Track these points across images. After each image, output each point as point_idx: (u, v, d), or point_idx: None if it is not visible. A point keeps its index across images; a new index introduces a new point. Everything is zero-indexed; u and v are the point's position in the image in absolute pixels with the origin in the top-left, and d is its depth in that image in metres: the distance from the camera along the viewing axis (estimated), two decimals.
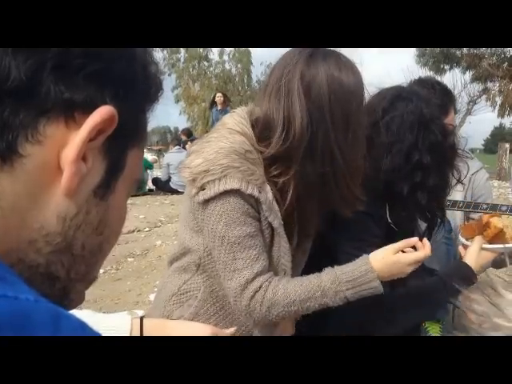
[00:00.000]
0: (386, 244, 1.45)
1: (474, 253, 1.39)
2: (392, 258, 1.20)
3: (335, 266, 1.18)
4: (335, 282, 1.15)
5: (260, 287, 1.14)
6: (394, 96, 1.38)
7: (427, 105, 1.38)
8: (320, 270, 1.20)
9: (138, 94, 0.45)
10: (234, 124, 1.18)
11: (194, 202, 1.18)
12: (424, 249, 1.23)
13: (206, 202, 1.13)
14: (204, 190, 1.12)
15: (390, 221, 1.43)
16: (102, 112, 0.39)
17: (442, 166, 1.37)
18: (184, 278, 1.26)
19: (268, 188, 1.17)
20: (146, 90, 0.46)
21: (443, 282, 1.33)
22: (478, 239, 1.42)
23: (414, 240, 1.22)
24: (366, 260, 1.19)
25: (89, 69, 0.39)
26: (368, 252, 1.26)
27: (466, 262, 1.38)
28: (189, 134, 10.19)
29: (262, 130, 1.19)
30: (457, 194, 1.99)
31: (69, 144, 0.39)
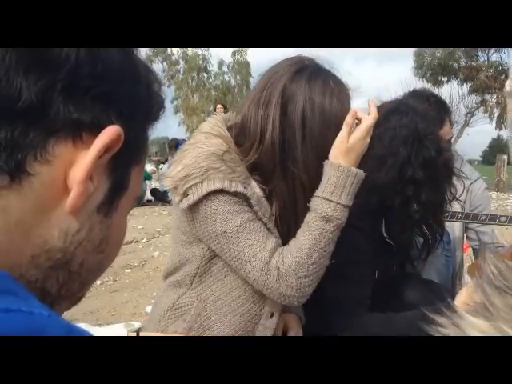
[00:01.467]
0: (385, 260, 1.42)
1: (464, 292, 1.30)
2: (349, 145, 1.16)
3: (312, 197, 1.16)
4: (325, 203, 1.13)
5: (277, 262, 1.12)
6: (390, 109, 1.38)
7: (423, 119, 1.36)
8: None
9: (142, 113, 0.45)
10: (210, 128, 1.18)
11: (182, 213, 1.16)
12: (369, 116, 1.21)
13: (193, 208, 1.12)
14: (188, 195, 1.10)
15: (385, 235, 1.42)
16: (110, 132, 0.40)
17: (435, 181, 1.35)
18: (179, 292, 1.24)
19: (253, 183, 1.16)
20: (148, 109, 0.47)
21: (421, 315, 1.28)
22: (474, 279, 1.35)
23: (353, 114, 1.18)
24: (329, 164, 1.16)
25: (96, 90, 0.39)
26: (361, 269, 1.24)
27: (456, 300, 1.27)
28: (176, 143, 10.17)
29: (237, 134, 1.18)
30: (455, 205, 1.99)
31: (77, 163, 0.39)
